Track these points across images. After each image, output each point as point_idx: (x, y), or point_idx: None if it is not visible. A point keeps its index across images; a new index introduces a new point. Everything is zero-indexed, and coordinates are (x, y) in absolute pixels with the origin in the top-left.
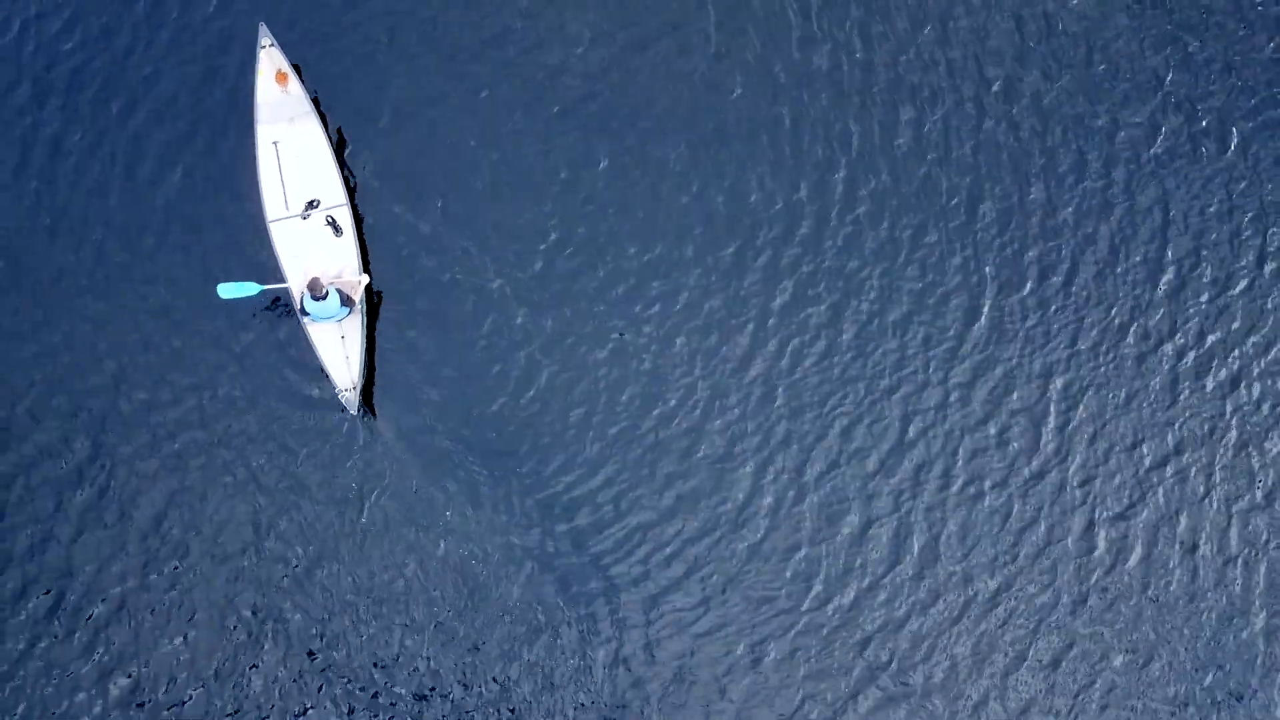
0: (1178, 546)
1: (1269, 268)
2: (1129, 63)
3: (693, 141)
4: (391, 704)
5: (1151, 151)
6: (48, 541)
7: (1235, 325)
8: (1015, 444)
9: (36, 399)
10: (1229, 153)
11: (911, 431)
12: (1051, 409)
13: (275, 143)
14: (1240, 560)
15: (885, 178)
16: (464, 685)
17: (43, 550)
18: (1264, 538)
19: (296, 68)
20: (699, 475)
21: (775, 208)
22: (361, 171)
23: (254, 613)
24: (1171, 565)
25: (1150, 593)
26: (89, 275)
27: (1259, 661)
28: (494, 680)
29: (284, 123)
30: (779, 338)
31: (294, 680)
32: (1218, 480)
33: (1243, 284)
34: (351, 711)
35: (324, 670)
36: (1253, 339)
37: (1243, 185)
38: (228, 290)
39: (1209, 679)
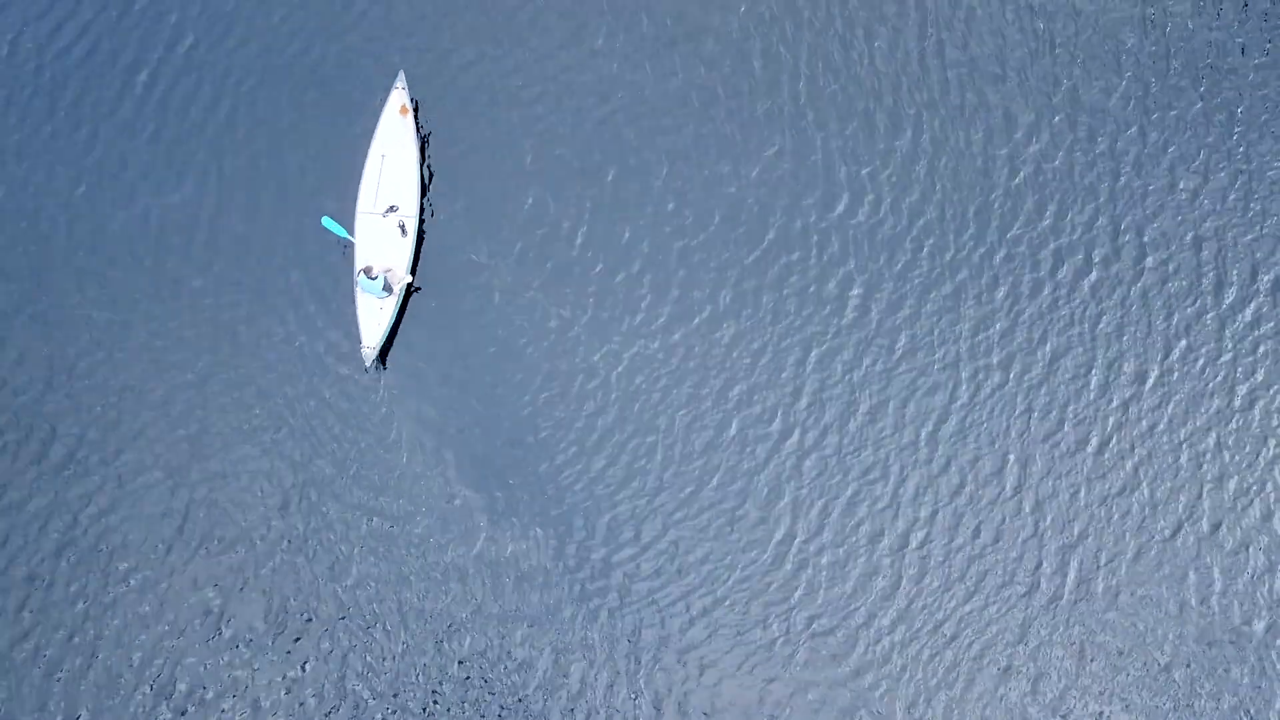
0: (1104, 588)
1: (1175, 373)
2: (1070, 204)
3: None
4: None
5: (1088, 280)
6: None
7: (1147, 416)
8: (983, 509)
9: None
10: (1146, 280)
11: (905, 494)
12: (1008, 481)
13: (383, 155)
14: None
15: (892, 295)
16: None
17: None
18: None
19: (416, 107)
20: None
21: (805, 311)
22: (439, 196)
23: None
24: (1099, 600)
25: (1088, 624)
26: (198, 218)
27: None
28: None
29: (394, 143)
30: (806, 418)
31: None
32: (1133, 534)
33: (1154, 378)
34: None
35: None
36: (1161, 426)
37: (1159, 306)
38: (330, 223)
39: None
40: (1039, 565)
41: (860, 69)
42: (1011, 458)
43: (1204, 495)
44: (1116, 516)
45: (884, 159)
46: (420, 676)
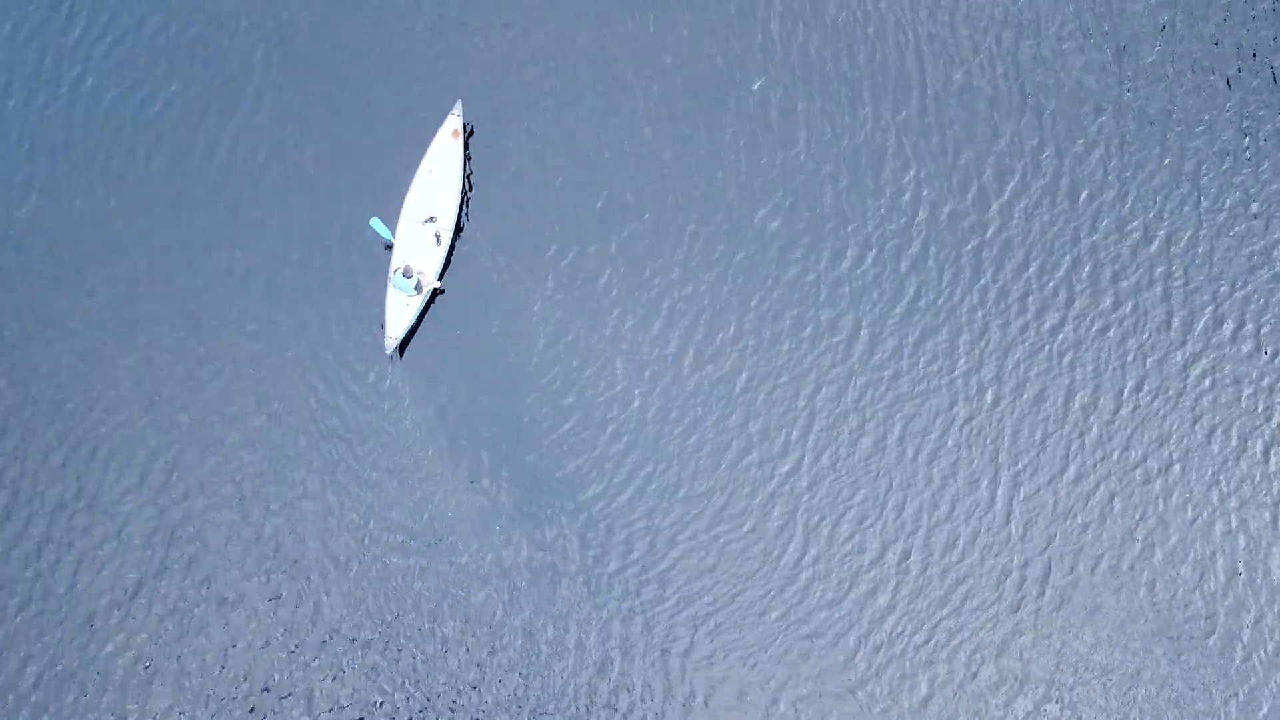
0: (1075, 600)
1: (1141, 407)
2: (1048, 255)
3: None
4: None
5: (1064, 323)
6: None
7: (1114, 445)
8: (967, 528)
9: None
10: (1115, 324)
11: (898, 514)
12: (991, 504)
13: (430, 171)
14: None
15: (888, 338)
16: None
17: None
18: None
19: (468, 132)
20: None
21: (811, 350)
22: (476, 213)
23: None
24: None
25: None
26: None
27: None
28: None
29: (442, 161)
30: (814, 447)
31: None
32: (1103, 550)
33: (1122, 412)
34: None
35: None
36: (1126, 455)
37: (1126, 349)
38: (378, 225)
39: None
40: (1014, 578)
41: (864, 129)
42: (993, 483)
43: (1164, 515)
44: (1088, 535)
45: (883, 213)
46: (454, 670)
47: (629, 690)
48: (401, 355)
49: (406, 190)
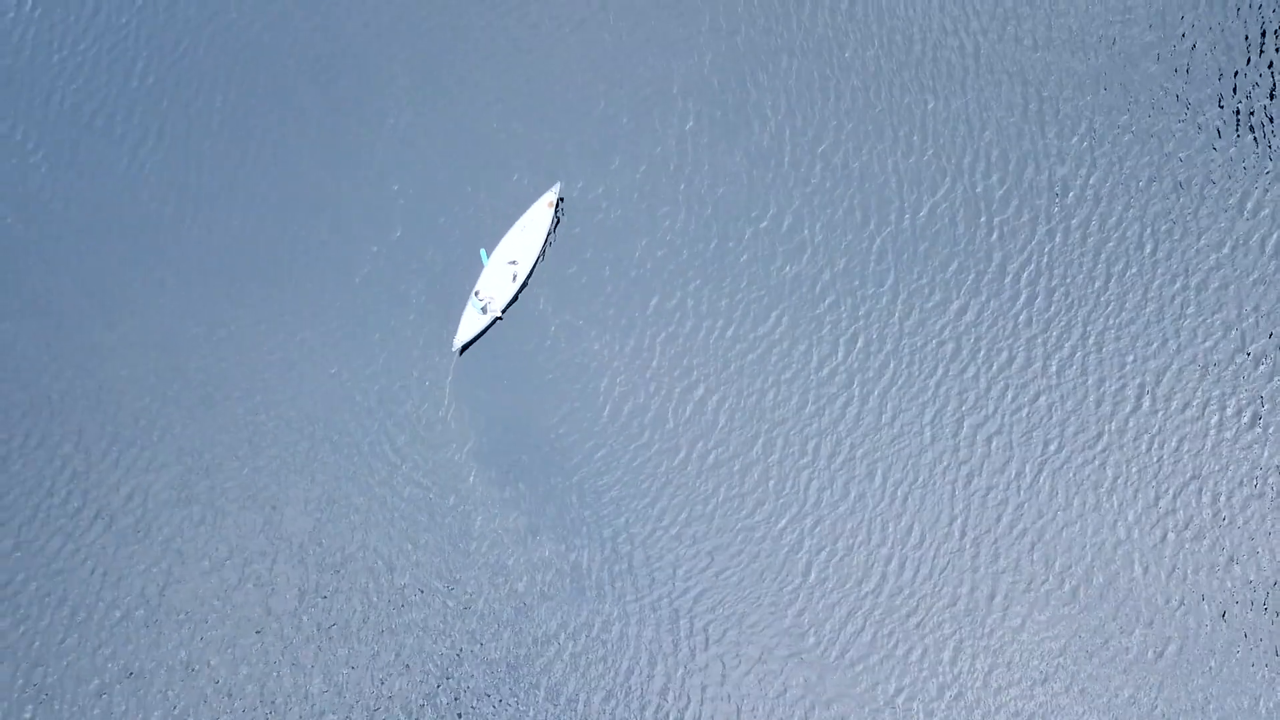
0: (1020, 616)
1: (1064, 468)
2: (995, 344)
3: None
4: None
5: (1005, 401)
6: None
7: (1043, 496)
8: (934, 556)
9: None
10: (1046, 407)
11: (879, 544)
12: (953, 540)
13: (523, 227)
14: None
15: (873, 416)
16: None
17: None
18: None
19: (559, 203)
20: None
21: (813, 418)
22: (548, 268)
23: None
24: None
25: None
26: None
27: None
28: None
29: (534, 222)
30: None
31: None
32: (1036, 578)
33: (1046, 473)
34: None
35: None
36: (1054, 503)
37: (1049, 430)
38: (484, 255)
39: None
40: (964, 603)
41: (854, 245)
42: (949, 525)
43: (1080, 548)
44: (1021, 564)
45: (867, 315)
46: (538, 669)
47: (662, 684)
48: (461, 354)
49: (502, 236)
